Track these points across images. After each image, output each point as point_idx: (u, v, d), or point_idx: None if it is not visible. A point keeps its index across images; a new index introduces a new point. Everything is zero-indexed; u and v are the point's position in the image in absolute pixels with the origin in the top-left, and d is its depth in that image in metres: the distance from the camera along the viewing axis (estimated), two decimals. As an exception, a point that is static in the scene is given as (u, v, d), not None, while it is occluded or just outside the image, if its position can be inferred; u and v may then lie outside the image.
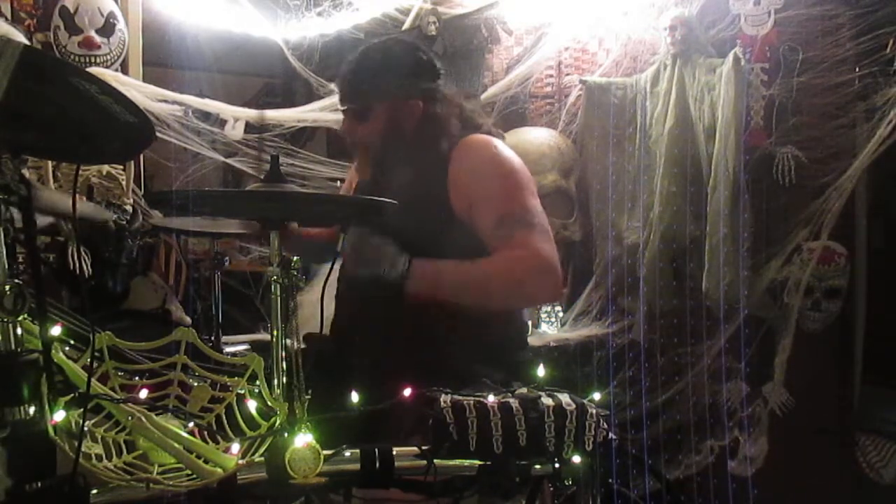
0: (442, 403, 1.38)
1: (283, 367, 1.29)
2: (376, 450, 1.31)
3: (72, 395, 1.16)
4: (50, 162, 2.64)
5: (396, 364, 1.67)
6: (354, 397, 1.37)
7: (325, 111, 3.08)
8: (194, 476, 1.19)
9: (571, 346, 2.96)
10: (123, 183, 2.83)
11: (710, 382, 2.88)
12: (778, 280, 2.84)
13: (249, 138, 3.02)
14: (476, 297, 1.76)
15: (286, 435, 1.21)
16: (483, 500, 1.43)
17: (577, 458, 1.42)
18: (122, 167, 2.83)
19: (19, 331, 1.08)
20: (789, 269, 2.82)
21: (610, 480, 1.71)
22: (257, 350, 1.83)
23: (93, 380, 1.18)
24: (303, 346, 1.62)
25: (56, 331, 1.20)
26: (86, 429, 1.15)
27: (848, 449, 2.82)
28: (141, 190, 2.93)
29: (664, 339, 2.96)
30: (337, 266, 1.98)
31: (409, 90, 1.89)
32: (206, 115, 3.03)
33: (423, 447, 1.34)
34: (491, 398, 1.41)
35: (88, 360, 1.18)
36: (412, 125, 1.89)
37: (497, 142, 1.93)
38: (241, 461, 1.22)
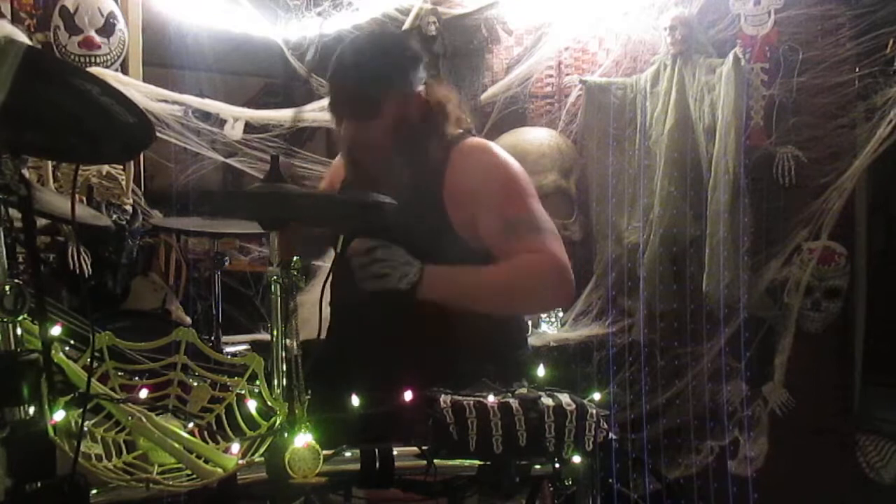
0: (442, 403, 1.38)
1: (283, 367, 1.29)
2: (376, 450, 1.31)
3: (72, 395, 1.16)
4: (50, 162, 2.64)
5: (396, 364, 1.67)
6: (354, 398, 1.37)
7: (325, 111, 3.07)
8: (194, 476, 1.19)
9: (571, 346, 2.96)
10: (123, 183, 2.83)
11: (711, 383, 2.88)
12: (778, 280, 2.84)
13: (249, 138, 3.02)
14: (492, 305, 1.73)
15: (286, 435, 1.21)
16: (483, 500, 1.43)
17: (577, 459, 1.42)
18: (122, 167, 2.83)
19: (19, 331, 1.08)
20: (789, 270, 2.82)
21: (610, 481, 1.71)
22: (257, 350, 1.83)
23: (93, 380, 1.18)
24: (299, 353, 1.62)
25: (56, 331, 1.20)
26: (86, 429, 1.15)
27: (848, 449, 2.81)
28: (141, 190, 2.93)
29: (664, 340, 2.96)
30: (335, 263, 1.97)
31: (413, 79, 1.81)
32: (206, 115, 3.03)
33: (423, 447, 1.34)
34: (491, 398, 1.41)
35: (88, 360, 1.18)
36: (418, 116, 1.81)
37: (495, 146, 1.90)
38: (241, 461, 1.22)
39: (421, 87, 1.82)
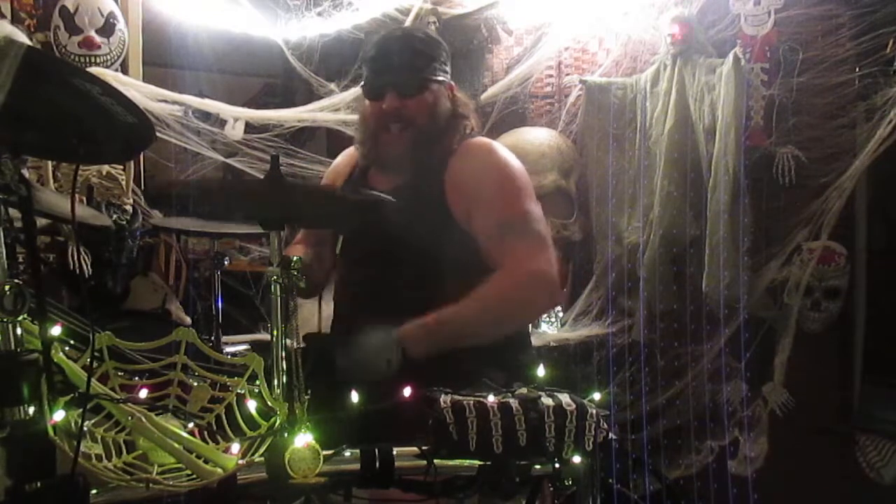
0: (442, 403, 1.38)
1: (283, 367, 1.29)
2: (376, 450, 1.31)
3: (72, 395, 1.16)
4: (50, 162, 2.64)
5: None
6: (355, 397, 1.37)
7: (325, 111, 3.08)
8: (194, 476, 1.19)
9: (571, 346, 2.96)
10: (123, 183, 2.83)
11: (711, 383, 2.88)
12: (778, 280, 2.84)
13: (249, 138, 3.02)
14: (479, 336, 1.75)
15: (286, 435, 1.21)
16: (483, 500, 1.43)
17: (577, 459, 1.42)
18: (122, 167, 2.83)
19: (19, 331, 1.08)
20: (789, 269, 2.82)
21: (610, 481, 1.71)
22: (257, 350, 1.83)
23: (93, 380, 1.18)
24: (303, 345, 1.62)
25: (56, 331, 1.20)
26: (86, 429, 1.15)
27: (848, 449, 2.81)
28: (141, 190, 2.93)
29: (664, 340, 2.96)
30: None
31: (448, 71, 1.95)
32: (206, 115, 3.03)
33: (423, 447, 1.34)
34: (491, 398, 1.41)
35: (88, 360, 1.18)
36: (450, 105, 1.93)
37: (497, 145, 1.95)
38: (241, 461, 1.22)
39: (450, 80, 1.96)
